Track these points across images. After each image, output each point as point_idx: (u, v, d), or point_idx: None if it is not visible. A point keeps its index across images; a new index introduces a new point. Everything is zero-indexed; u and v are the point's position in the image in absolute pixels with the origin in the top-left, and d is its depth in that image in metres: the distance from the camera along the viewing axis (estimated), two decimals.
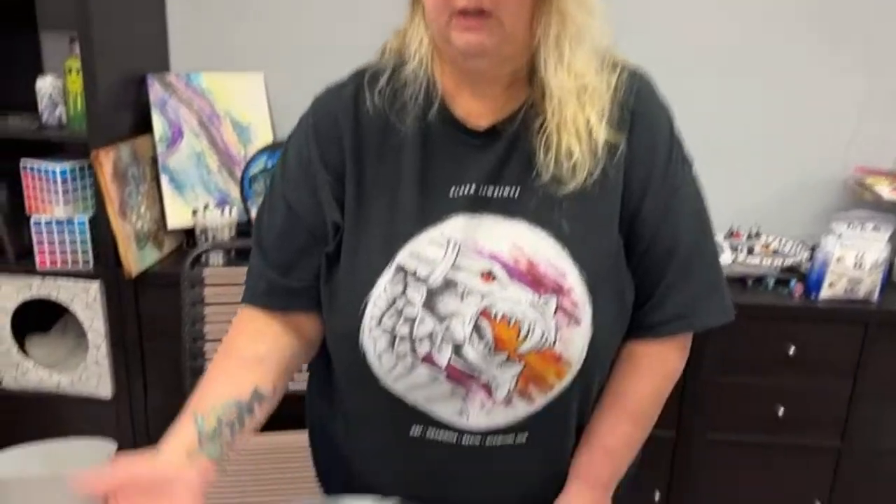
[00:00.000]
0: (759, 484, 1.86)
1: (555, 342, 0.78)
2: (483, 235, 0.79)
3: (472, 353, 0.79)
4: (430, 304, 0.79)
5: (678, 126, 0.85)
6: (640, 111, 0.81)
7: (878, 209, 1.85)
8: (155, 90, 1.86)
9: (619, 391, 0.89)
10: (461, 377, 0.80)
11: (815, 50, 1.91)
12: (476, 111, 0.81)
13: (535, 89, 0.79)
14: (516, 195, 0.80)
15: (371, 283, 0.79)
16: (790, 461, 1.83)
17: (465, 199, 0.80)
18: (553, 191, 0.79)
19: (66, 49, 1.79)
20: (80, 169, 1.76)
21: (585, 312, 0.79)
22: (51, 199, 1.76)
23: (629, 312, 0.86)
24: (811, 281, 1.75)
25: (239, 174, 1.89)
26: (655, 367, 0.89)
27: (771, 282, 1.79)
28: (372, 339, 0.80)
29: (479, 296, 0.78)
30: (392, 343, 0.80)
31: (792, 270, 1.82)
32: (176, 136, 1.87)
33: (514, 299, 0.78)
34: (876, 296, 1.71)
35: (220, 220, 1.80)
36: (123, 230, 1.72)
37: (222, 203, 1.88)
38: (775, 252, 1.88)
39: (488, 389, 0.81)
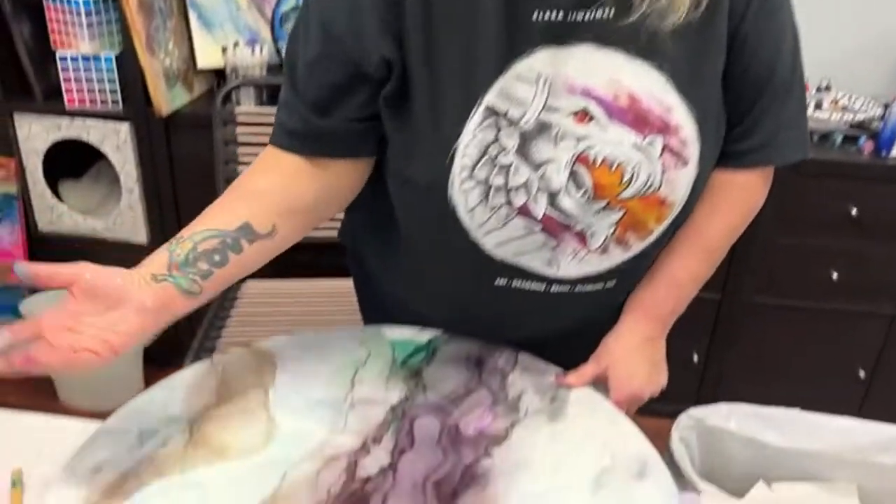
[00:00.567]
0: (801, 350, 1.82)
1: (660, 186, 0.71)
2: (575, 69, 0.68)
3: (569, 201, 0.71)
4: (523, 150, 0.69)
5: None
6: None
7: None
8: None
9: (696, 224, 0.82)
10: (556, 227, 0.73)
11: None
12: None
13: None
14: (611, 16, 0.67)
15: (458, 130, 0.69)
16: (838, 328, 1.78)
17: (552, 27, 0.67)
18: (652, 15, 0.67)
19: None
20: (104, 0, 1.67)
21: (694, 152, 0.71)
22: (76, 32, 1.68)
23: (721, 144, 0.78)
24: (883, 138, 1.62)
25: (269, 12, 1.78)
26: (737, 200, 0.82)
27: (838, 139, 1.67)
28: (463, 193, 0.71)
29: (573, 139, 0.69)
30: (486, 195, 0.71)
31: (861, 127, 1.70)
32: None
33: (614, 142, 0.69)
34: None
35: (250, 59, 1.71)
36: (152, 66, 1.64)
37: (252, 42, 1.78)
38: (844, 108, 1.74)
39: (582, 238, 0.74)
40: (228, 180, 1.54)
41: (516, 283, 0.78)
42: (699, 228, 0.82)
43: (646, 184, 0.71)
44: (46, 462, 0.69)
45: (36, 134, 1.78)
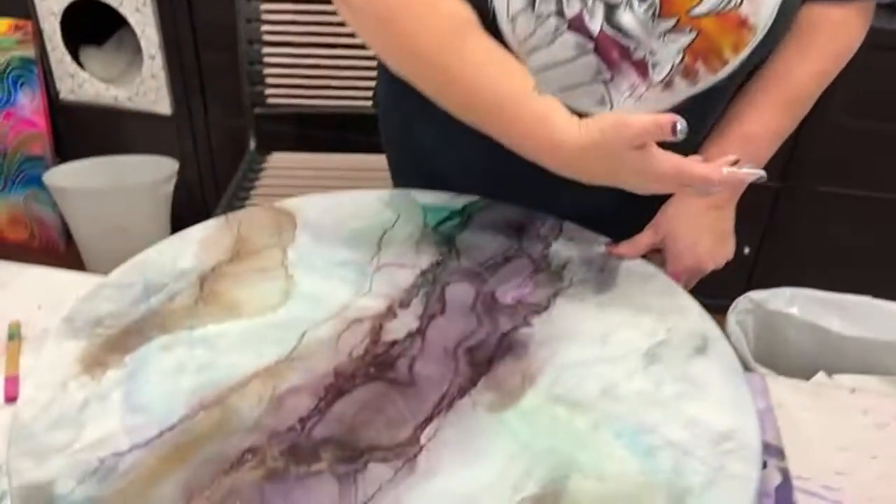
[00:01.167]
0: (863, 244, 1.70)
1: (741, 2, 0.59)
2: None
3: (630, 17, 0.60)
4: None
5: None
6: None
7: None
8: None
9: (777, 68, 0.70)
10: (612, 51, 0.62)
11: None
12: None
13: None
14: None
15: None
16: None
17: None
18: None
19: None
20: None
21: None
22: None
23: None
24: None
25: None
26: (831, 40, 0.70)
27: None
28: None
29: None
30: (533, 1, 0.61)
31: None
32: None
33: None
34: None
35: None
36: None
37: None
38: None
39: (643, 69, 0.63)
40: (251, 40, 1.44)
41: None
42: (781, 73, 0.70)
43: None
44: (46, 315, 0.64)
45: None
